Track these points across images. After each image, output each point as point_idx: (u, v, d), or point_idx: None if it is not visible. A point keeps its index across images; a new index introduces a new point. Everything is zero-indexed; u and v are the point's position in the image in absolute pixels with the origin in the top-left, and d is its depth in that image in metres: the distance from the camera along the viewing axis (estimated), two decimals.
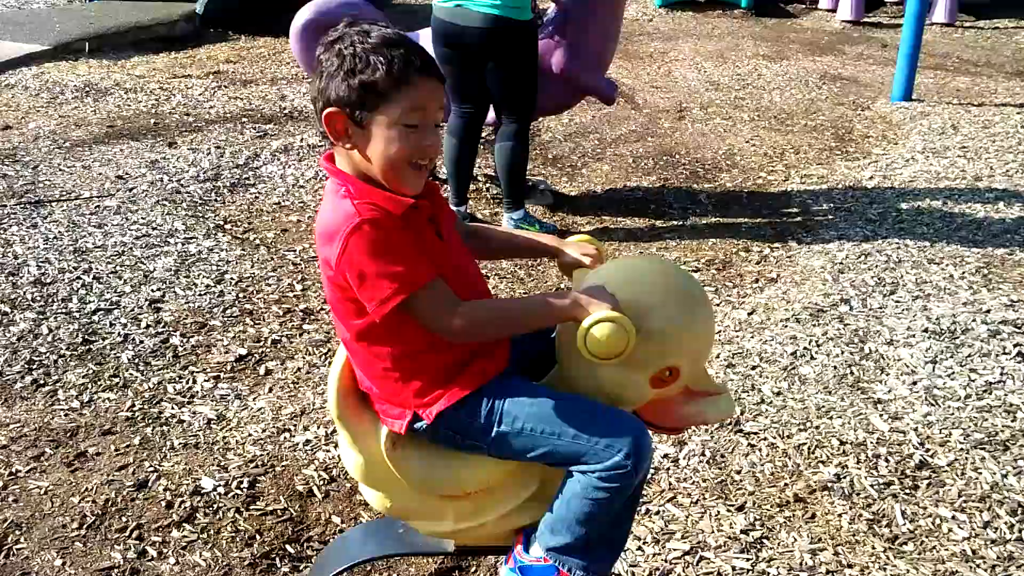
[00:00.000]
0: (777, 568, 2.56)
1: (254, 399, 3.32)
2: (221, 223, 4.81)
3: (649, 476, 2.90)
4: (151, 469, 2.93)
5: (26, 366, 3.45)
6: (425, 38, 4.52)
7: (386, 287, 1.68)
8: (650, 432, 1.85)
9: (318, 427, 3.15)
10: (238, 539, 2.65)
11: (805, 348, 3.64)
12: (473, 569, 2.58)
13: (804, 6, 11.70)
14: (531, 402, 1.82)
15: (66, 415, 3.19)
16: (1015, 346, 3.61)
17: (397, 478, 1.89)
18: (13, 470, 2.90)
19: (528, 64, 4.47)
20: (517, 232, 2.18)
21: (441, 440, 1.88)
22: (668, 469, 2.94)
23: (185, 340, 3.68)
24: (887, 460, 2.98)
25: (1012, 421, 3.17)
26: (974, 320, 3.81)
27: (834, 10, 11.20)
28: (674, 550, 2.62)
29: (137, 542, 2.62)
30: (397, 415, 1.85)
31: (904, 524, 2.71)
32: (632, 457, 1.75)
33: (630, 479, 1.77)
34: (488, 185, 5.43)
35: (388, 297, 1.68)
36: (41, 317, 3.79)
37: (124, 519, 2.70)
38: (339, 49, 1.73)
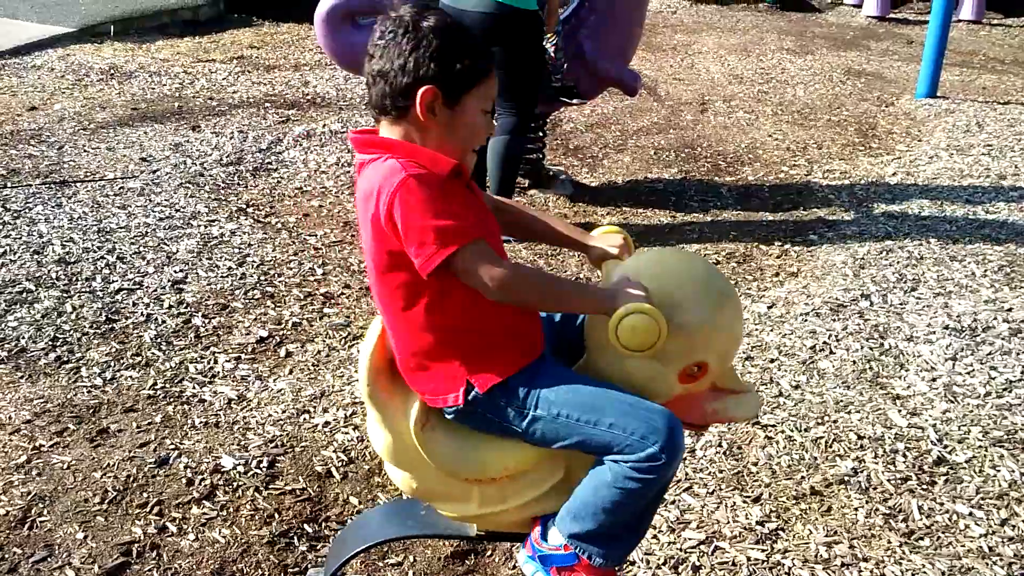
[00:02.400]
0: (792, 560, 2.56)
1: (274, 380, 3.35)
2: (243, 206, 4.84)
3: None
4: (172, 447, 2.96)
5: (50, 343, 3.49)
6: None
7: (433, 241, 1.68)
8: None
9: (337, 409, 3.17)
10: (257, 517, 2.67)
11: (824, 342, 3.63)
12: (488, 552, 2.60)
13: (829, 1, 11.64)
14: (569, 389, 1.82)
15: (89, 392, 3.23)
16: None
17: (424, 460, 1.90)
18: (37, 444, 2.93)
19: (531, 55, 4.41)
20: (550, 217, 2.18)
21: (475, 423, 1.89)
22: (685, 459, 2.95)
23: (207, 321, 3.71)
24: (905, 455, 2.98)
25: None
26: (995, 318, 3.80)
27: (859, 5, 11.13)
28: (689, 539, 2.63)
29: (158, 518, 2.65)
30: (448, 388, 1.85)
31: (920, 519, 2.71)
32: (667, 450, 1.75)
33: (663, 471, 1.78)
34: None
35: (436, 251, 1.68)
36: (65, 295, 3.82)
37: (145, 495, 2.74)
38: (430, 28, 1.74)
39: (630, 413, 1.78)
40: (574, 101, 5.07)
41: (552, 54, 4.73)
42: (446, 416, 1.90)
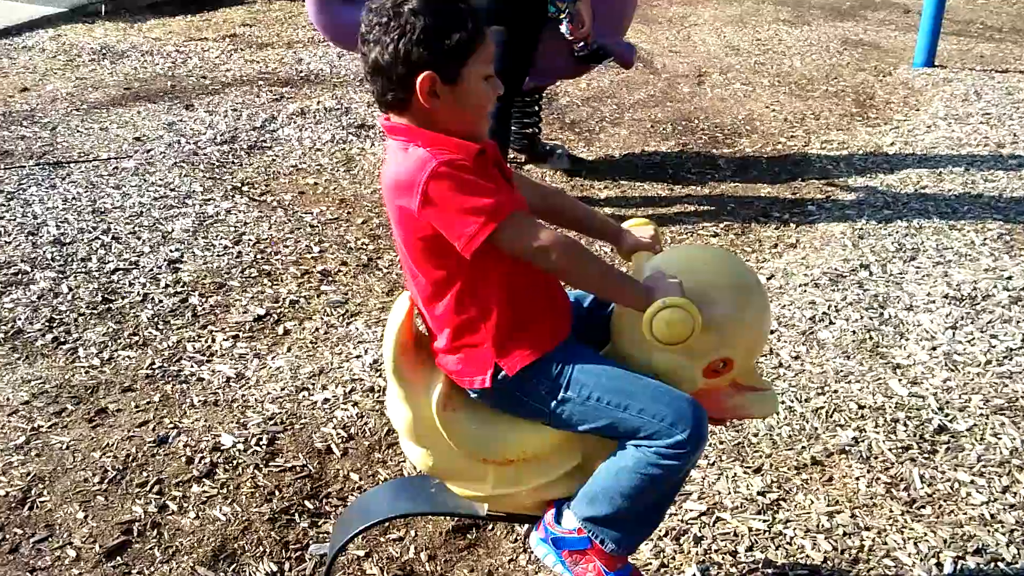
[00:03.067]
0: (793, 529, 2.56)
1: (272, 358, 3.34)
2: (238, 185, 4.81)
3: None
4: (171, 425, 2.95)
5: (47, 324, 3.48)
6: None
7: (474, 220, 1.67)
8: None
9: (336, 386, 3.16)
10: (257, 495, 2.67)
11: (824, 313, 3.62)
12: (490, 527, 2.59)
13: None
14: (600, 371, 1.82)
15: (86, 372, 3.22)
16: None
17: (443, 438, 1.89)
18: (35, 425, 2.92)
19: (528, 35, 4.34)
20: (585, 206, 2.16)
21: (503, 403, 1.88)
22: None
23: (204, 300, 3.70)
24: (905, 424, 2.97)
25: None
26: (995, 286, 3.79)
27: None
28: (691, 511, 2.63)
29: (158, 496, 2.65)
30: (477, 370, 1.84)
31: (922, 488, 2.71)
32: (693, 439, 1.75)
33: (687, 460, 1.78)
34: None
35: (479, 229, 1.68)
36: (61, 276, 3.80)
37: (145, 474, 2.73)
38: (411, 11, 1.69)
39: (660, 399, 1.78)
40: (608, 61, 5.03)
41: (569, 25, 4.62)
42: (471, 396, 1.90)
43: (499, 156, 1.88)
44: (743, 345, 1.88)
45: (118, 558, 2.45)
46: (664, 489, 1.86)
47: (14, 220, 4.27)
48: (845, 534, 2.55)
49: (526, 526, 2.41)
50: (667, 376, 1.85)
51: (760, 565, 2.46)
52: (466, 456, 1.92)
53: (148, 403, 3.06)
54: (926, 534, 2.54)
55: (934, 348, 3.38)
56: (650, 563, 2.46)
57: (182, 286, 3.79)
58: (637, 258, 2.02)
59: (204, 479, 2.72)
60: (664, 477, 1.80)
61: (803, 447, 2.88)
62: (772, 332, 3.49)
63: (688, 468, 1.84)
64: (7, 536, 2.48)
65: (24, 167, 4.88)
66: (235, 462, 2.79)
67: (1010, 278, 3.85)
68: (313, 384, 3.18)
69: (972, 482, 2.73)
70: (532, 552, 2.00)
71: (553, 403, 1.83)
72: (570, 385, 1.81)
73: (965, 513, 2.62)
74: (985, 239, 4.25)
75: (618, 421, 1.80)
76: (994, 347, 3.38)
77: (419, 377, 1.91)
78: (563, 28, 4.54)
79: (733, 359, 1.86)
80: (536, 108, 5.13)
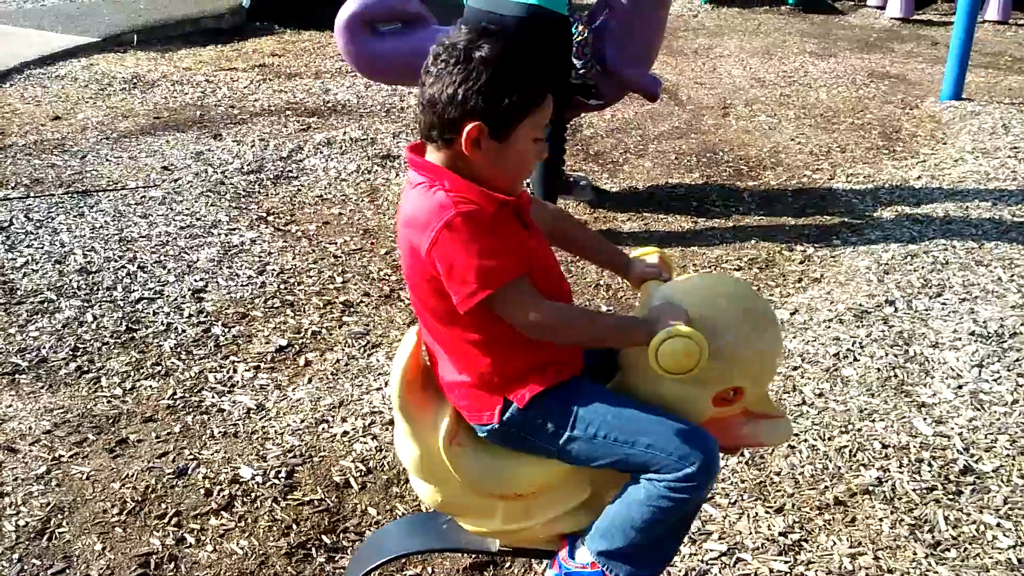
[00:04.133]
0: (815, 571, 2.52)
1: (293, 390, 3.35)
2: (264, 215, 4.84)
3: None
4: (191, 457, 2.95)
5: (71, 353, 3.50)
6: None
7: (473, 281, 1.68)
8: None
9: (356, 419, 3.16)
10: (275, 528, 2.67)
11: (848, 349, 3.59)
12: (508, 564, 2.57)
13: (852, 3, 11.55)
14: (606, 409, 1.82)
15: (108, 402, 3.23)
16: None
17: (451, 474, 1.89)
18: (56, 455, 2.94)
19: (559, 61, 4.41)
20: (597, 236, 2.17)
21: (509, 442, 1.88)
22: None
23: (226, 330, 3.71)
24: (930, 465, 2.93)
25: None
26: (1022, 324, 3.73)
27: (883, 7, 11.04)
28: (711, 551, 2.60)
29: (176, 529, 2.65)
30: (485, 407, 1.84)
31: (947, 530, 2.66)
32: (703, 468, 1.75)
33: (698, 492, 1.78)
34: (528, 182, 5.40)
35: (475, 291, 1.69)
36: (86, 305, 3.84)
37: (163, 506, 2.73)
38: (482, 59, 1.69)
39: (668, 433, 1.77)
40: (591, 102, 5.02)
41: (577, 50, 4.67)
42: (479, 435, 1.89)
43: (524, 206, 1.87)
44: (753, 373, 1.86)
45: None
46: (676, 521, 1.84)
47: (42, 248, 4.32)
48: None
49: (544, 563, 2.39)
50: (677, 406, 1.83)
51: None
52: (474, 491, 1.91)
53: (169, 434, 3.07)
54: None
55: (960, 387, 3.34)
56: None
57: (205, 316, 3.81)
58: (645, 287, 2.02)
59: (222, 512, 2.72)
60: (676, 509, 1.79)
61: (826, 487, 2.84)
62: (795, 369, 3.46)
63: (700, 499, 1.83)
64: (25, 567, 2.49)
65: (53, 195, 4.94)
66: (253, 495, 2.79)
67: None
68: (333, 416, 3.19)
69: (998, 525, 2.68)
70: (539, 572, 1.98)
71: (560, 441, 1.82)
72: (576, 423, 1.81)
73: (991, 557, 2.57)
74: (1012, 275, 4.20)
75: (626, 457, 1.79)
76: (1021, 386, 3.33)
77: (426, 413, 1.90)
78: (574, 54, 4.58)
79: (743, 387, 1.85)
80: (561, 138, 5.14)
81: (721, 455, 1.85)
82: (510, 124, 1.72)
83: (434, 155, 1.79)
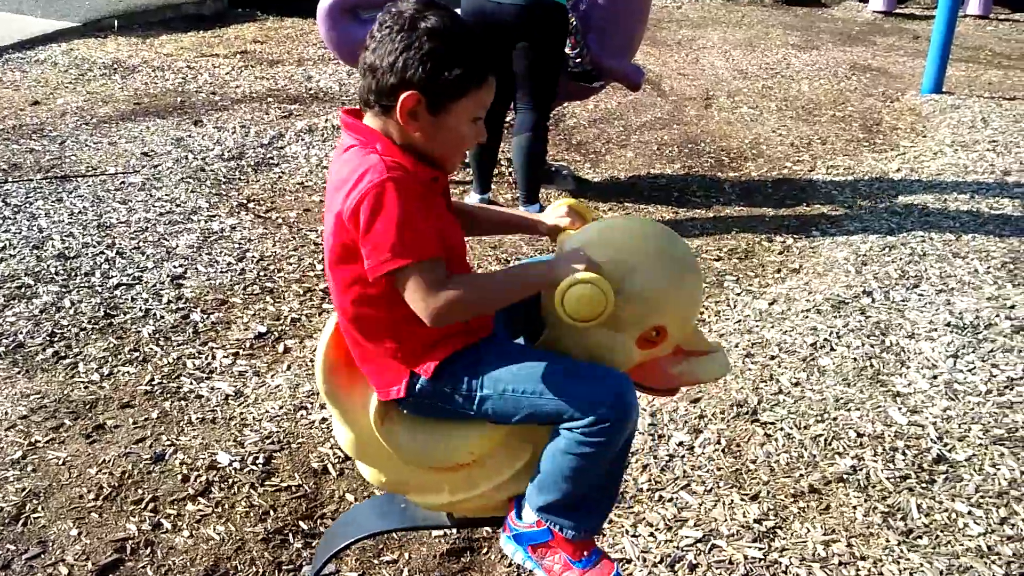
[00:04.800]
0: (789, 558, 2.54)
1: (272, 376, 3.34)
2: (244, 202, 4.83)
3: (664, 464, 2.90)
4: (168, 443, 2.95)
5: (48, 338, 3.49)
6: None
7: (388, 249, 1.65)
8: (639, 391, 1.84)
9: None
10: (252, 514, 2.67)
11: (825, 339, 3.61)
12: (484, 550, 2.59)
13: None
14: (512, 363, 1.81)
15: (86, 387, 3.22)
16: None
17: (389, 453, 1.89)
18: (32, 440, 2.93)
19: (557, 49, 4.44)
20: (498, 209, 2.16)
21: (429, 412, 1.88)
22: (683, 457, 2.94)
23: (205, 316, 3.70)
24: (904, 453, 2.96)
25: None
26: (998, 315, 3.77)
27: (866, 1, 11.08)
28: (686, 537, 2.61)
29: (152, 514, 2.65)
30: (392, 380, 1.83)
31: (919, 518, 2.69)
32: (614, 410, 1.74)
33: (615, 433, 1.76)
34: (511, 169, 5.41)
35: (389, 259, 1.66)
36: (64, 291, 3.82)
37: (140, 491, 2.73)
38: (426, 30, 1.68)
39: (575, 380, 1.77)
40: (594, 84, 5.03)
41: (571, 39, 4.69)
42: (400, 410, 1.89)
43: (448, 186, 1.87)
44: (672, 311, 1.83)
45: None
46: (605, 466, 1.83)
47: (19, 233, 4.29)
48: (841, 563, 2.53)
49: None
50: (602, 354, 1.82)
51: None
52: (413, 466, 1.91)
53: (146, 420, 3.06)
54: (922, 565, 2.52)
55: (935, 377, 3.37)
56: None
57: (184, 302, 3.80)
58: (561, 238, 1.98)
59: (199, 497, 2.72)
60: (599, 454, 1.78)
61: (801, 475, 2.87)
62: (773, 358, 3.49)
63: (621, 440, 1.80)
64: (0, 552, 2.48)
65: (32, 180, 4.91)
66: (231, 481, 2.79)
67: (1013, 307, 3.84)
68: (311, 403, 3.19)
69: (970, 513, 2.71)
70: (503, 552, 1.99)
71: (474, 404, 1.81)
72: (484, 384, 1.80)
73: (962, 544, 2.60)
74: (989, 267, 4.24)
75: (538, 408, 1.78)
76: (995, 376, 3.36)
77: (355, 395, 1.90)
78: (567, 42, 4.58)
79: (665, 326, 1.83)
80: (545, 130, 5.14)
81: (664, 397, 1.82)
82: (447, 99, 1.71)
83: (371, 121, 1.78)
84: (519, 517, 1.92)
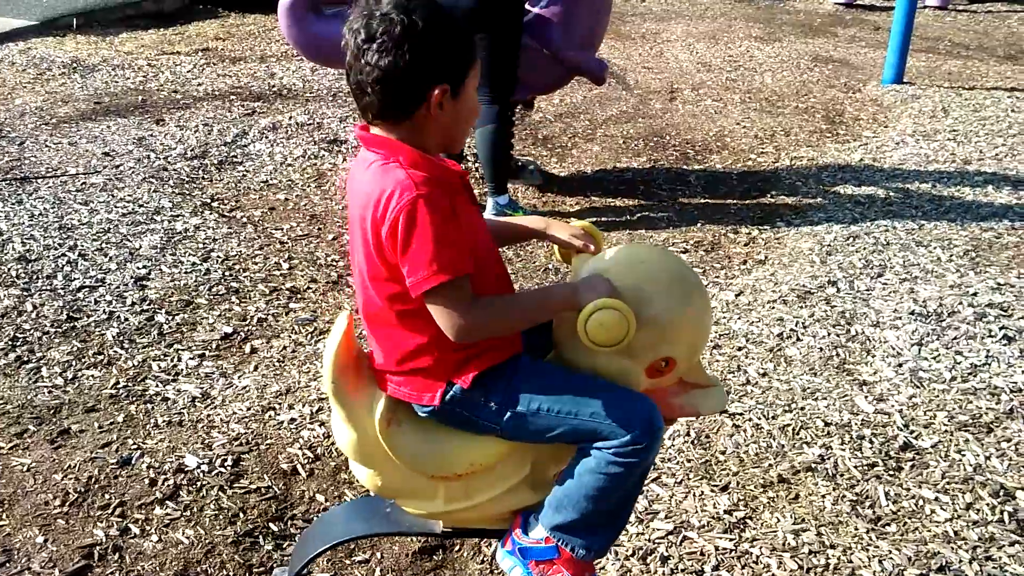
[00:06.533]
0: (760, 548, 2.56)
1: (239, 377, 3.31)
2: (208, 201, 4.78)
3: None
4: (135, 446, 2.92)
5: (10, 343, 3.44)
6: None
7: (427, 266, 1.67)
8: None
9: (303, 405, 3.14)
10: (221, 517, 2.64)
11: (791, 330, 3.64)
12: (456, 548, 2.58)
13: None
14: (546, 382, 1.83)
15: (49, 392, 3.18)
16: (1001, 329, 3.61)
17: (389, 456, 1.88)
18: None
19: (514, 38, 4.42)
20: (501, 220, 2.17)
21: (452, 421, 1.88)
22: None
23: (170, 318, 3.66)
24: (871, 441, 2.99)
25: (996, 404, 3.18)
26: (960, 303, 3.82)
27: None
28: (657, 530, 2.63)
29: (120, 519, 2.62)
30: (427, 388, 1.84)
31: (887, 505, 2.72)
32: (647, 434, 1.77)
33: (646, 454, 1.80)
34: (477, 164, 5.40)
35: (430, 275, 1.67)
36: (25, 294, 3.76)
37: (107, 496, 2.70)
38: (426, 24, 1.67)
39: (609, 401, 1.79)
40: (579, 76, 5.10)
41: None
42: (420, 414, 1.89)
43: (468, 180, 1.89)
44: (684, 342, 1.87)
45: None
46: (627, 487, 1.86)
47: None
48: (811, 552, 2.55)
49: (493, 543, 2.40)
50: (609, 378, 1.85)
51: None
52: (414, 473, 1.91)
53: (112, 424, 3.03)
54: (891, 552, 2.55)
55: (900, 365, 3.41)
56: None
57: (148, 304, 3.75)
58: (577, 261, 2.02)
59: (167, 501, 2.69)
60: (626, 475, 1.81)
61: (770, 465, 2.89)
62: (740, 349, 3.51)
63: (648, 463, 1.84)
64: None
65: None
66: (199, 484, 2.76)
67: (975, 295, 3.89)
68: (280, 403, 3.16)
69: (936, 499, 2.75)
70: (499, 567, 1.99)
71: (505, 418, 1.83)
72: (519, 400, 1.82)
73: (929, 530, 2.63)
74: (951, 256, 4.29)
75: (572, 428, 1.81)
76: (959, 364, 3.41)
77: (361, 396, 1.89)
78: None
79: (675, 357, 1.86)
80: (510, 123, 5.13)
81: None
82: (464, 76, 1.75)
83: (386, 130, 1.77)
84: (526, 532, 1.93)
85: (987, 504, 2.72)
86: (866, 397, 3.22)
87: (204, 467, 2.83)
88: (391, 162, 1.72)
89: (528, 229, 2.11)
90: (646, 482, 2.77)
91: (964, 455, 2.92)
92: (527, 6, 4.68)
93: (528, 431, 1.84)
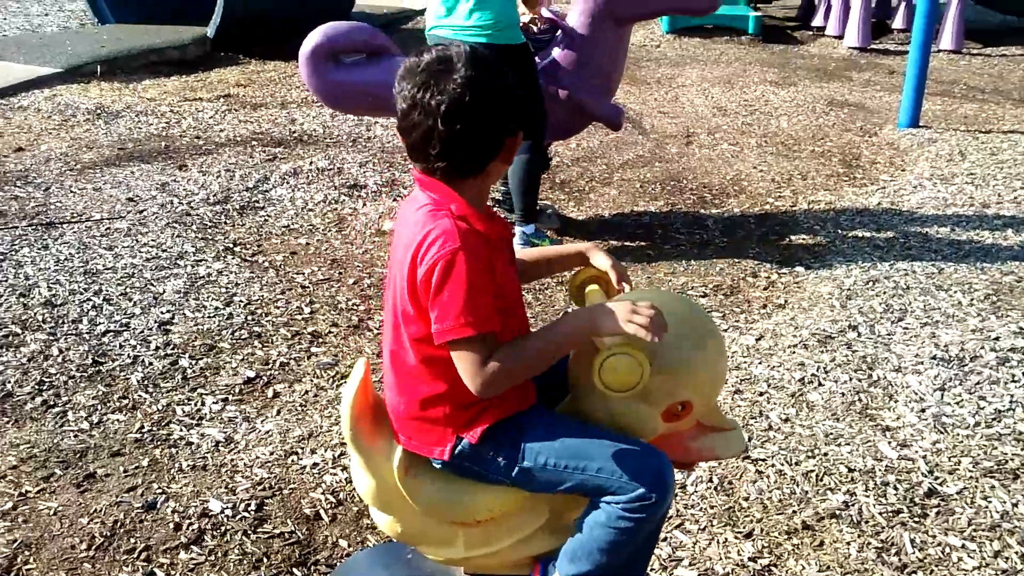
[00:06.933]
0: None
1: (262, 422, 3.33)
2: (230, 245, 4.83)
3: None
4: (159, 491, 2.93)
5: (36, 387, 3.47)
6: None
7: (454, 317, 1.68)
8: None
9: (325, 450, 3.16)
10: (245, 562, 2.65)
11: (813, 374, 3.64)
12: None
13: (811, 33, 11.76)
14: (555, 437, 1.83)
15: (75, 436, 3.20)
16: None
17: (408, 503, 1.89)
18: (23, 491, 2.90)
19: (528, 83, 4.46)
20: (536, 251, 2.18)
21: (462, 473, 1.89)
22: (676, 495, 2.93)
23: (194, 362, 3.69)
24: (896, 488, 2.97)
25: (1022, 450, 3.16)
26: (983, 347, 3.81)
27: (841, 37, 11.25)
28: None
29: (145, 564, 2.62)
30: (437, 441, 1.85)
31: (913, 552, 2.70)
32: (656, 489, 1.76)
33: (655, 510, 1.79)
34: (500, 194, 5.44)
35: (457, 327, 1.69)
36: (52, 338, 3.80)
37: (132, 541, 2.71)
38: (489, 73, 1.70)
39: (618, 455, 1.78)
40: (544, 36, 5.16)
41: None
42: (433, 465, 1.90)
43: (511, 240, 1.92)
44: (700, 387, 1.87)
45: None
46: (639, 541, 1.85)
47: (5, 281, 4.27)
48: None
49: None
50: (627, 424, 1.85)
51: None
52: (433, 520, 1.91)
53: (137, 468, 3.04)
54: None
55: (923, 410, 3.40)
56: None
57: (172, 348, 3.79)
58: (592, 300, 2.01)
59: (192, 546, 2.70)
60: (637, 529, 1.80)
61: (794, 511, 2.88)
62: (762, 394, 3.51)
63: (659, 516, 1.84)
64: None
65: (17, 228, 4.90)
66: (223, 528, 2.77)
67: (997, 338, 3.88)
68: (302, 448, 3.17)
69: (963, 546, 2.73)
70: None
71: (513, 473, 1.84)
72: (526, 455, 1.82)
73: None
74: (972, 299, 4.28)
75: (580, 483, 1.81)
76: (983, 408, 3.39)
77: (379, 443, 1.91)
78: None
79: (691, 402, 1.86)
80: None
81: (677, 471, 1.87)
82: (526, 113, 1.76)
83: (447, 181, 1.78)
84: None
85: (1016, 552, 2.69)
86: (889, 443, 3.21)
87: (228, 511, 2.84)
88: (442, 210, 1.74)
89: (567, 254, 2.09)
90: (668, 528, 2.77)
91: (990, 502, 2.90)
92: (536, 59, 4.74)
93: (538, 485, 1.85)
